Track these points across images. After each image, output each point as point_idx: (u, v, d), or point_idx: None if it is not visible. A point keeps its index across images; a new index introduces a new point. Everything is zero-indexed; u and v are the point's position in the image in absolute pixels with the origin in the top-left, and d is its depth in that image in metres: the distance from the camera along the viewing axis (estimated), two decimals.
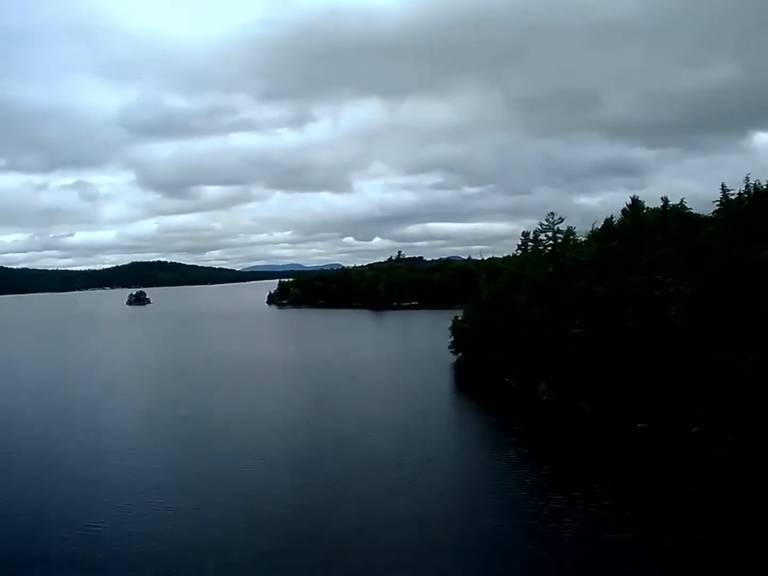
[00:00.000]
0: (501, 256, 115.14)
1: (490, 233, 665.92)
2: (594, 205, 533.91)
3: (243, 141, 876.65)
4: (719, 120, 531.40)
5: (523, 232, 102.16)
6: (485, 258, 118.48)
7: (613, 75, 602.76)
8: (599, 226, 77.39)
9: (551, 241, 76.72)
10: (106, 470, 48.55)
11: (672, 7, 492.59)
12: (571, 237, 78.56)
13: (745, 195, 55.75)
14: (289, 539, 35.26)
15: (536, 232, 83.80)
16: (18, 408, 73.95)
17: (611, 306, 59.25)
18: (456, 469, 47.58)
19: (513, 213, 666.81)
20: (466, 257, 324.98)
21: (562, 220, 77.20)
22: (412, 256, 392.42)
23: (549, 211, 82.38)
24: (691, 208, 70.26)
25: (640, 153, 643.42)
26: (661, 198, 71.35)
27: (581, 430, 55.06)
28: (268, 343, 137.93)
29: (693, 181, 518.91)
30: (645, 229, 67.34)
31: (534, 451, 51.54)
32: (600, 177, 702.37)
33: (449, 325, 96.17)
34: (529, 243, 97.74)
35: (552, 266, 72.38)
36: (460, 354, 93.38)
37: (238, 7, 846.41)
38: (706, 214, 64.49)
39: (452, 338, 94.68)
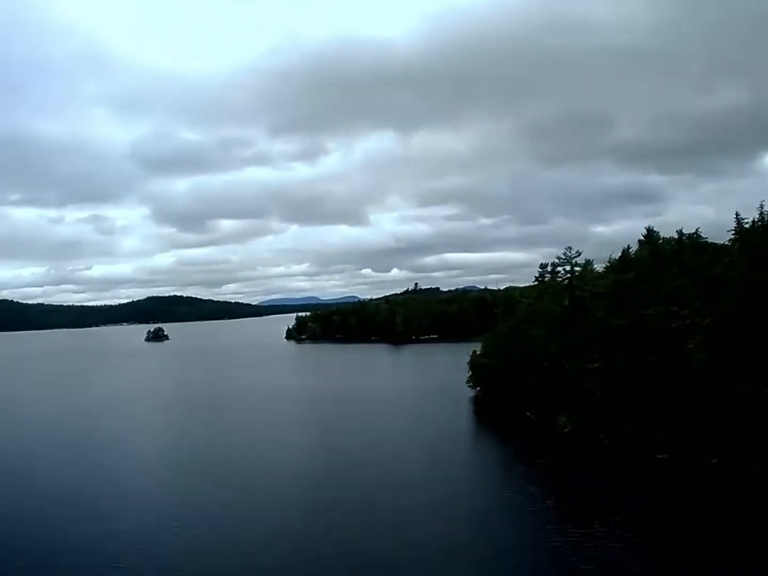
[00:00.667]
0: (517, 286, 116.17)
1: (506, 263, 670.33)
2: (610, 234, 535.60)
3: (257, 174, 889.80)
4: (731, 144, 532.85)
5: (541, 264, 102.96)
6: (501, 288, 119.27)
7: (624, 101, 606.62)
8: (616, 256, 78.16)
9: (568, 275, 77.29)
10: (123, 500, 49.28)
11: (682, 32, 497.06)
12: (589, 269, 79.35)
13: (759, 223, 56.31)
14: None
15: (554, 265, 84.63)
16: (43, 444, 74.82)
17: (628, 339, 59.68)
18: (477, 502, 47.64)
19: (528, 243, 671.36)
20: (482, 287, 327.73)
21: (579, 253, 77.96)
22: (428, 286, 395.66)
23: (564, 240, 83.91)
24: (706, 238, 71.13)
25: (653, 179, 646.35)
26: (676, 231, 72.42)
27: (602, 463, 55.22)
28: (289, 379, 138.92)
29: (707, 206, 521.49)
30: (661, 260, 68.03)
31: (555, 485, 51.64)
32: (615, 205, 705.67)
33: (467, 360, 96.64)
34: (547, 275, 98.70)
35: (568, 299, 72.90)
36: (478, 388, 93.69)
37: (249, 40, 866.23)
38: (721, 242, 65.33)
39: (470, 373, 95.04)
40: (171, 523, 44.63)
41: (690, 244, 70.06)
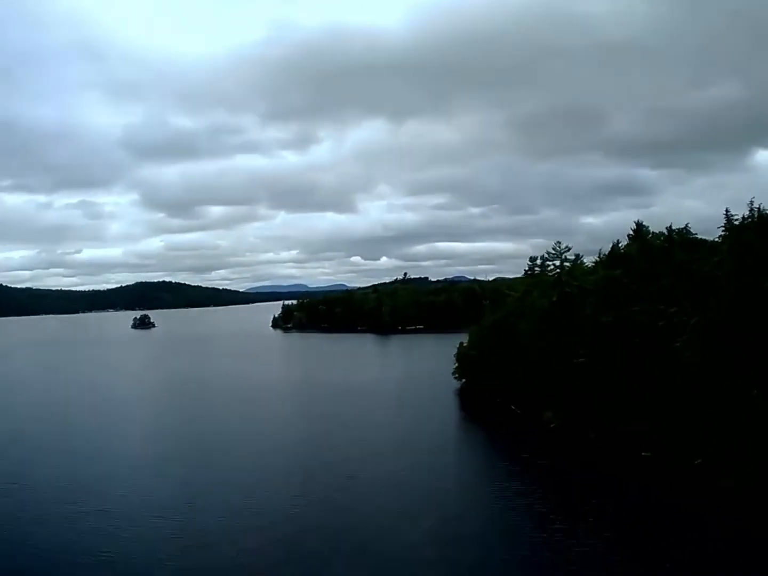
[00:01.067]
0: (506, 277, 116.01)
1: (495, 253, 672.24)
2: (599, 225, 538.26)
3: (248, 162, 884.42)
4: (723, 138, 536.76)
5: (531, 257, 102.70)
6: (490, 279, 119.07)
7: (616, 95, 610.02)
8: (606, 249, 77.86)
9: (558, 270, 76.97)
10: (112, 485, 49.25)
11: (675, 28, 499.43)
12: (579, 263, 79.06)
13: (749, 219, 55.91)
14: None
15: (543, 259, 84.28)
16: (39, 432, 74.24)
17: (616, 336, 59.46)
18: (462, 496, 47.79)
19: (517, 233, 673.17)
20: (471, 277, 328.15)
21: (569, 248, 77.76)
22: (417, 276, 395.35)
23: (553, 230, 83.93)
24: (695, 234, 70.84)
25: (644, 173, 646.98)
26: (666, 228, 72.03)
27: (587, 458, 55.29)
28: (273, 369, 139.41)
29: (697, 200, 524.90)
30: (650, 256, 67.71)
31: (540, 479, 51.76)
32: (605, 197, 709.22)
33: (454, 351, 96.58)
34: (536, 268, 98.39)
35: (557, 295, 72.61)
36: (464, 380, 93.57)
37: (242, 27, 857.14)
38: (711, 238, 65.08)
39: (457, 365, 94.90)
40: (156, 515, 44.58)
41: (680, 240, 69.75)
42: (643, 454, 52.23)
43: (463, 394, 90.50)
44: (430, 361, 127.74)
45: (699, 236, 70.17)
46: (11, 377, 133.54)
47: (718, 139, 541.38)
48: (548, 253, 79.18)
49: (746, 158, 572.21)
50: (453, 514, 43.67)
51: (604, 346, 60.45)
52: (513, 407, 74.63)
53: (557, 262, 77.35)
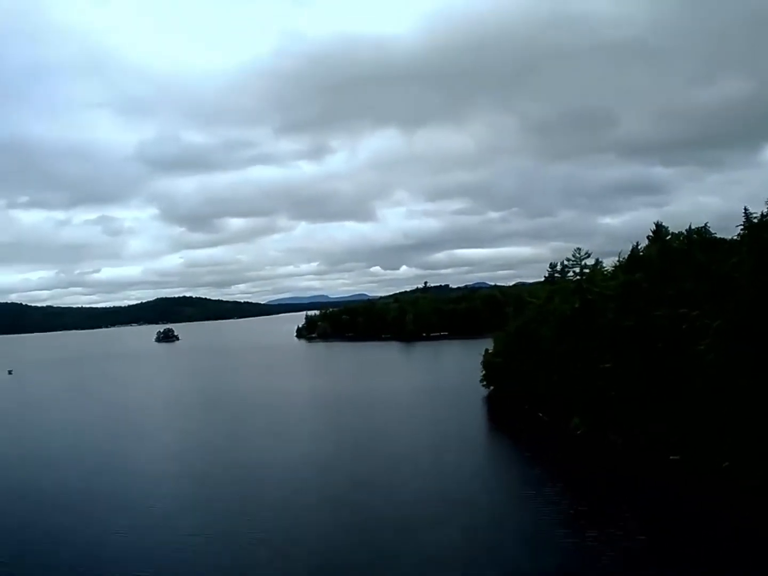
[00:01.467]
0: (526, 282, 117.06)
1: (515, 258, 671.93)
2: (617, 225, 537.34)
3: (263, 174, 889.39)
4: (733, 135, 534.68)
5: (551, 264, 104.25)
6: (511, 284, 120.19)
7: (626, 95, 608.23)
8: (625, 250, 78.62)
9: (578, 276, 78.12)
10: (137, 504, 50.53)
11: (681, 25, 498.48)
12: (599, 268, 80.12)
13: (767, 218, 56.66)
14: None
15: (563, 265, 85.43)
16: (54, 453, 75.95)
17: (639, 340, 60.55)
18: (492, 504, 48.62)
19: (537, 236, 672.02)
20: (492, 283, 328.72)
21: (588, 255, 78.77)
22: (438, 284, 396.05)
23: (572, 232, 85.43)
24: (715, 233, 71.57)
25: (657, 171, 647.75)
26: (685, 230, 72.91)
27: (614, 464, 56.19)
28: (302, 378, 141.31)
29: (713, 197, 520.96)
30: (670, 258, 68.52)
31: (569, 486, 52.54)
32: (621, 197, 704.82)
33: (479, 358, 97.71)
34: (556, 274, 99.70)
35: (578, 302, 73.71)
36: (492, 387, 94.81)
37: (252, 40, 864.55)
38: (730, 237, 65.88)
39: (483, 372, 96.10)
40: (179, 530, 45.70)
41: (699, 240, 70.49)
42: (671, 458, 53.20)
43: (491, 402, 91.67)
44: (456, 368, 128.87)
45: (718, 235, 71.14)
46: (37, 395, 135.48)
47: (729, 135, 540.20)
48: (568, 259, 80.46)
49: (759, 153, 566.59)
50: (484, 522, 44.65)
51: (627, 351, 61.53)
52: (540, 414, 75.81)
53: (577, 269, 78.50)
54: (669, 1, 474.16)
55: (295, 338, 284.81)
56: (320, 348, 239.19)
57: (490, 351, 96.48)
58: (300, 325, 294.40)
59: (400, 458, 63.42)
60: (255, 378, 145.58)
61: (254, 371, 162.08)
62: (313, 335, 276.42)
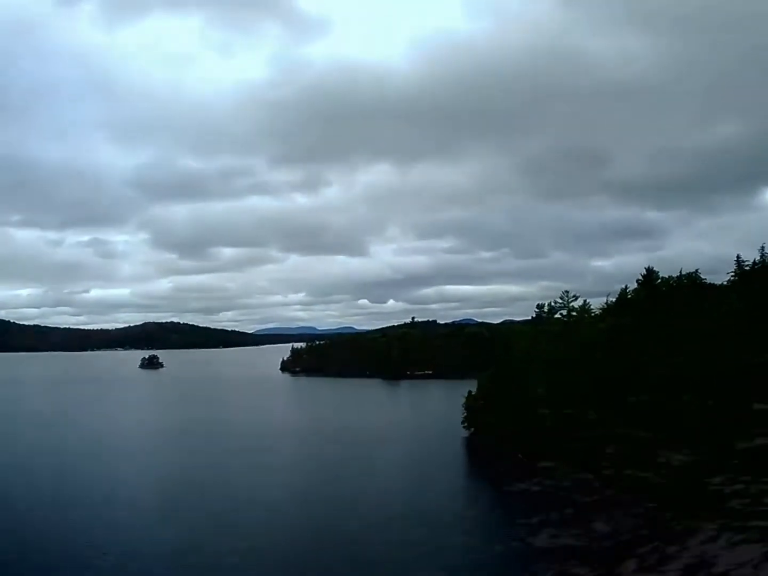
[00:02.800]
0: (514, 320, 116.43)
1: (504, 295, 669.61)
2: (609, 268, 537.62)
3: (258, 204, 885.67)
4: (729, 178, 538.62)
5: (538, 304, 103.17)
6: (499, 322, 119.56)
7: (622, 136, 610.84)
8: (615, 291, 78.26)
9: (565, 319, 77.31)
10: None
11: (680, 68, 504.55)
12: (586, 308, 79.39)
13: (759, 264, 56.20)
14: None
15: (551, 306, 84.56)
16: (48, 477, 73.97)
17: (624, 388, 59.52)
18: (469, 549, 47.07)
19: (526, 276, 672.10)
20: (479, 320, 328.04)
21: (576, 297, 78.14)
22: (425, 319, 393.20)
23: (563, 274, 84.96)
24: (705, 279, 71.24)
25: (651, 215, 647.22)
26: (675, 278, 72.44)
27: (597, 509, 53.98)
28: (282, 415, 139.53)
29: (706, 241, 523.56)
30: (659, 303, 67.90)
31: (548, 530, 50.07)
32: (612, 240, 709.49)
33: (461, 399, 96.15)
34: (543, 314, 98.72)
35: (564, 346, 72.72)
36: (472, 429, 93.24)
37: (249, 68, 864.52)
38: (720, 282, 65.51)
39: (465, 413, 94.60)
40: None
41: (689, 284, 70.08)
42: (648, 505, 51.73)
43: (470, 443, 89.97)
44: (438, 410, 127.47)
45: (708, 280, 70.97)
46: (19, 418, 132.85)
47: (724, 179, 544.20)
48: (555, 301, 79.71)
49: (754, 198, 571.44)
50: (455, 563, 43.41)
51: (612, 398, 60.45)
52: (520, 456, 74.27)
53: (564, 312, 77.71)
54: (668, 44, 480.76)
55: (279, 371, 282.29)
56: (303, 382, 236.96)
57: (473, 393, 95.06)
58: (285, 358, 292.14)
59: (374, 498, 62.04)
60: (236, 412, 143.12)
61: (236, 405, 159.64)
62: (297, 369, 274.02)
